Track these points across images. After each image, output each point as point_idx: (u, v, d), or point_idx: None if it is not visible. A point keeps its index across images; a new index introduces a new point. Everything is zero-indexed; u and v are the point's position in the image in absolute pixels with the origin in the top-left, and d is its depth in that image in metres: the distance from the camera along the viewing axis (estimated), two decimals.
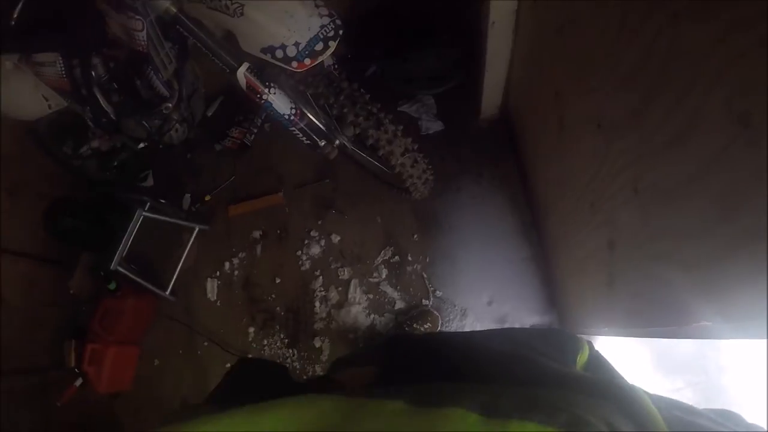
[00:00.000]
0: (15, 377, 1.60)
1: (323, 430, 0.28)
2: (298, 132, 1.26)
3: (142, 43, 1.16)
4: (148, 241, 1.73)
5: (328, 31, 1.04)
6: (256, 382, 0.51)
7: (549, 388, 0.35)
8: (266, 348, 1.64)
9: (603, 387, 0.34)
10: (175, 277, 1.73)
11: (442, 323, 1.51)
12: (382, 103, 1.22)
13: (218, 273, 1.76)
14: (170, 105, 1.38)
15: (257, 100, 1.18)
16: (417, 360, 0.52)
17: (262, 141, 1.87)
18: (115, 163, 1.72)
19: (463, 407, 0.29)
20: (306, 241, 1.70)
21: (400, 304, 1.57)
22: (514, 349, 0.57)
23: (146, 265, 1.79)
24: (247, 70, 1.12)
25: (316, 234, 1.70)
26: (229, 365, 1.45)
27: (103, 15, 1.18)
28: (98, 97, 1.34)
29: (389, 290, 1.59)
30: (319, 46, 1.04)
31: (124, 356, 1.70)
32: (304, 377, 1.57)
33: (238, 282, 1.74)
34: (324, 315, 1.62)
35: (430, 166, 1.33)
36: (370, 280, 1.61)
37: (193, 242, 1.75)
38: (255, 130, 1.85)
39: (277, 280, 1.69)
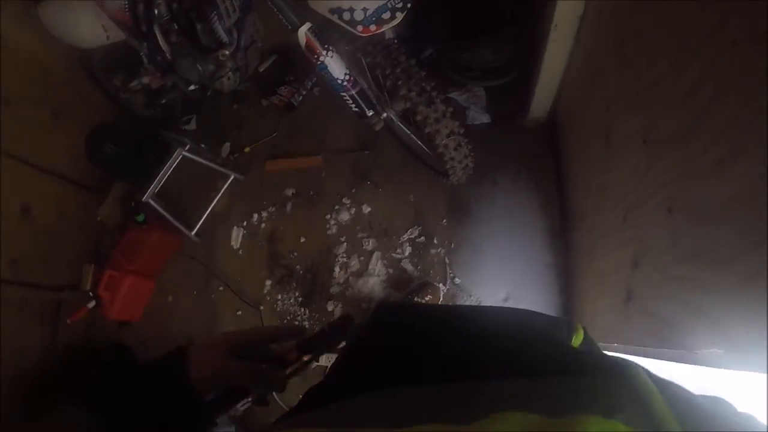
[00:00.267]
0: (32, 290, 1.63)
1: None
2: (348, 98, 1.28)
3: None
4: (183, 182, 1.77)
5: (396, 2, 1.06)
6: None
7: (587, 377, 0.34)
8: (279, 303, 1.67)
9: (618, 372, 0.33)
10: (203, 219, 1.76)
11: (442, 298, 1.52)
12: (435, 84, 1.23)
13: (245, 223, 1.79)
14: (227, 52, 1.38)
15: (314, 60, 1.20)
16: (418, 342, 0.49)
17: (309, 103, 1.89)
18: (163, 101, 1.74)
19: (523, 410, 0.28)
20: (336, 207, 1.72)
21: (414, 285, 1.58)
22: (534, 335, 0.57)
23: (177, 204, 1.82)
24: (308, 29, 1.14)
25: (348, 201, 1.72)
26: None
27: None
28: (157, 34, 1.35)
29: (410, 268, 1.61)
30: (387, 15, 1.06)
31: (139, 287, 1.73)
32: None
33: (263, 235, 1.76)
34: (342, 281, 1.64)
35: (472, 153, 1.33)
36: (393, 255, 1.63)
37: (226, 189, 1.77)
38: (304, 92, 1.87)
39: (302, 240, 1.72)
